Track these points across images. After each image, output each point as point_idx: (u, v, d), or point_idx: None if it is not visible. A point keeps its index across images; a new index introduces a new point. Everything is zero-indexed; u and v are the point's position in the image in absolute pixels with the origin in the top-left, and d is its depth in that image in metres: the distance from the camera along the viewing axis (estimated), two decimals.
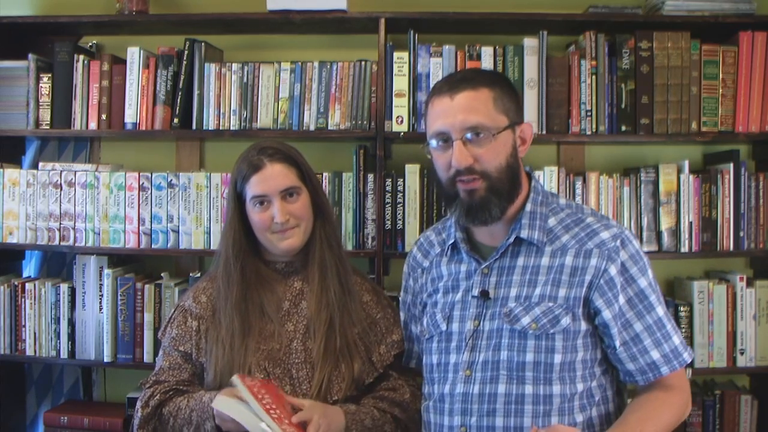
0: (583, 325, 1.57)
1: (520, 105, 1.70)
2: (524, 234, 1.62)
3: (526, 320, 1.57)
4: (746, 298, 2.43)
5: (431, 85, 2.41)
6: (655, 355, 1.58)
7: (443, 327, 1.68)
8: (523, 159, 1.69)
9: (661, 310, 1.59)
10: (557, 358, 1.55)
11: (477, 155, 1.57)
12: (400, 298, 1.92)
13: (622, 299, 1.57)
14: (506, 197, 1.60)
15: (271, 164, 1.76)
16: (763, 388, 2.54)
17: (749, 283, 2.45)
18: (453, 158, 1.57)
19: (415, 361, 1.85)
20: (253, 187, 1.76)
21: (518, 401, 1.55)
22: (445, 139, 1.59)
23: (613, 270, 1.57)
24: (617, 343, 1.57)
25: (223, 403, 1.58)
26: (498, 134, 1.58)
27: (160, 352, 1.85)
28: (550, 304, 1.57)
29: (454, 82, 1.62)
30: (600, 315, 1.57)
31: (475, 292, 1.64)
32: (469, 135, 1.56)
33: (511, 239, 1.63)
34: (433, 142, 1.63)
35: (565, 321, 1.56)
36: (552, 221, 1.65)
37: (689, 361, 1.62)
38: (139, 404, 1.77)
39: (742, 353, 2.43)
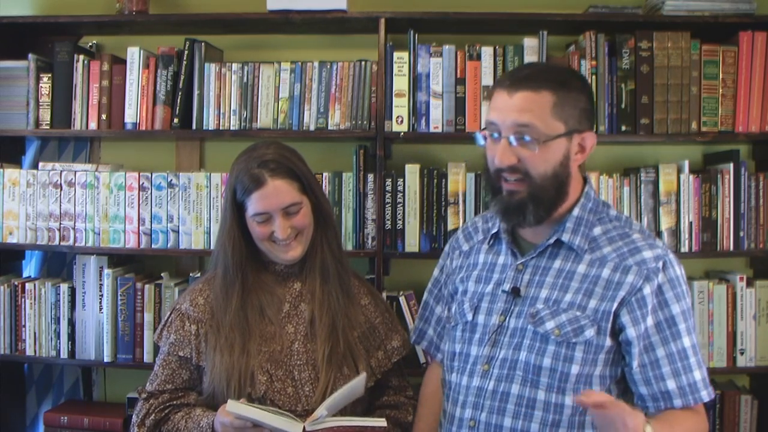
0: (608, 341, 1.53)
1: (588, 110, 1.57)
2: (566, 237, 1.58)
3: (550, 324, 1.54)
4: (746, 298, 2.43)
5: (431, 85, 2.42)
6: (671, 384, 1.52)
7: (469, 317, 1.65)
8: None
9: (688, 341, 1.53)
10: (574, 369, 1.52)
11: (523, 157, 1.52)
12: (432, 278, 1.87)
13: (650, 321, 1.52)
14: (546, 206, 1.55)
15: (272, 180, 1.73)
16: (763, 388, 2.54)
17: (749, 283, 2.45)
18: (496, 156, 1.54)
19: (427, 343, 1.84)
20: (255, 204, 1.74)
21: (529, 405, 1.53)
22: (496, 132, 1.55)
23: (647, 289, 1.52)
24: (635, 363, 1.52)
25: (238, 407, 1.55)
26: (548, 141, 1.51)
27: (158, 357, 1.85)
28: (578, 313, 1.53)
29: (517, 79, 1.55)
30: (624, 332, 1.52)
31: (507, 287, 1.61)
32: (517, 136, 1.51)
33: (552, 240, 1.59)
34: (485, 135, 1.59)
35: (589, 333, 1.52)
36: (597, 230, 1.60)
37: (707, 400, 1.54)
38: (135, 419, 1.79)
39: (742, 353, 2.43)
